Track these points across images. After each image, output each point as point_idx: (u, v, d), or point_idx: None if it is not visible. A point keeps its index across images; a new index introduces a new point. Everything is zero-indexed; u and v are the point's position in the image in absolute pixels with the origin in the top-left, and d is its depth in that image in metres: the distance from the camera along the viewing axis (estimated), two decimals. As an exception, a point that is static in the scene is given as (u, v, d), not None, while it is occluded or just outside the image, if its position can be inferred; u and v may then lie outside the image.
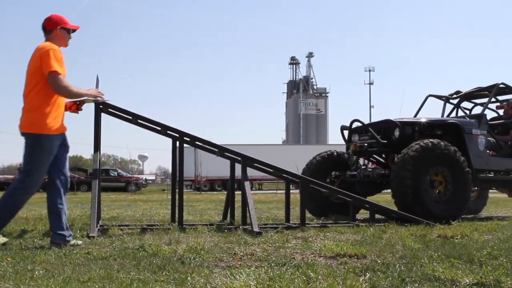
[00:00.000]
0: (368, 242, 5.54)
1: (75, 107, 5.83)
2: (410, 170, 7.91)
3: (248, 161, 7.31)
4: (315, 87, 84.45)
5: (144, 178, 52.11)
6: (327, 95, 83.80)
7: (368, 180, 9.21)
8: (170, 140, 7.30)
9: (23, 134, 5.23)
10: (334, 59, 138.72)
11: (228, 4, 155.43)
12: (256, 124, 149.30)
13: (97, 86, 6.83)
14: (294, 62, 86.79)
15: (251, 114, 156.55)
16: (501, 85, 9.89)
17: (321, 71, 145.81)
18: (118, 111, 6.98)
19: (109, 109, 6.89)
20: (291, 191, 7.62)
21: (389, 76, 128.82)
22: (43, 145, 5.18)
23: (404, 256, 4.48)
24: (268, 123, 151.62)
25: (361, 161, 9.75)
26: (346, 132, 9.88)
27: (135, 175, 53.10)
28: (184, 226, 6.85)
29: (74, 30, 5.61)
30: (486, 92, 10.33)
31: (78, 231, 6.18)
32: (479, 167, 8.89)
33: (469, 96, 10.95)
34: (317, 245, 5.29)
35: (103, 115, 6.81)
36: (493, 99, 10.57)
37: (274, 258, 4.42)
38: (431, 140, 8.24)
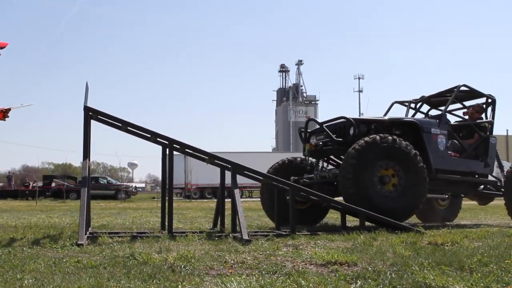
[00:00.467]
0: (358, 249, 5.54)
1: (2, 115, 5.91)
2: (353, 166, 7.84)
3: (238, 169, 7.31)
4: (304, 94, 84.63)
5: (134, 186, 51.88)
6: (316, 102, 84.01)
7: (326, 181, 9.05)
8: (160, 148, 7.29)
9: None
10: (324, 66, 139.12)
11: (217, 11, 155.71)
12: (246, 132, 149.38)
13: (86, 93, 6.87)
14: (283, 69, 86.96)
15: (240, 121, 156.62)
16: (462, 87, 9.83)
17: (311, 79, 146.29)
18: (108, 118, 6.97)
19: (99, 116, 6.89)
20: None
21: (378, 83, 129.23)
22: None
23: (395, 264, 4.48)
24: (258, 130, 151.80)
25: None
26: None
27: (125, 183, 52.91)
28: (174, 234, 6.82)
29: (2, 47, 5.97)
30: (449, 95, 10.16)
31: (68, 239, 6.14)
32: (439, 166, 8.80)
33: (432, 99, 10.77)
34: (307, 252, 5.28)
35: (92, 122, 6.81)
36: (460, 105, 10.60)
37: (265, 266, 4.41)
38: (379, 135, 8.16)
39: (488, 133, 9.89)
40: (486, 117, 10.10)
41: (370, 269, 4.22)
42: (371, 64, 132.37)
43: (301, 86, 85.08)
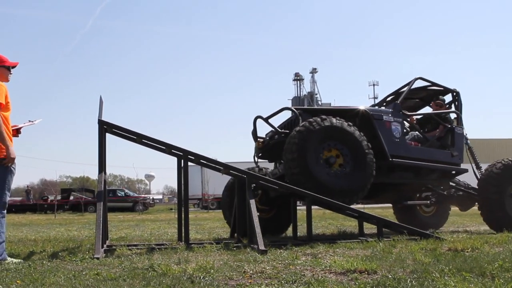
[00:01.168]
0: (378, 257, 5.51)
1: (15, 132, 6.05)
2: (296, 145, 7.65)
3: (253, 179, 7.30)
4: (319, 102, 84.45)
5: (151, 197, 51.92)
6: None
7: (277, 176, 8.80)
8: (175, 159, 7.31)
9: None
10: (338, 74, 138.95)
11: (230, 22, 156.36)
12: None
13: (100, 107, 6.95)
14: (298, 78, 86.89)
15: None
16: (418, 79, 9.76)
17: (325, 87, 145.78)
18: (122, 131, 7.02)
19: (113, 130, 6.94)
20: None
21: (393, 89, 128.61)
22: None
23: (415, 271, 4.45)
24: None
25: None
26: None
27: (142, 195, 52.99)
28: (191, 244, 6.82)
29: (14, 67, 6.01)
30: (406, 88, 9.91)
31: (87, 252, 6.16)
32: (395, 152, 8.62)
33: (394, 97, 10.46)
34: (327, 261, 5.26)
35: (108, 135, 6.86)
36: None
37: (284, 276, 4.39)
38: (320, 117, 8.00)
39: (454, 125, 9.81)
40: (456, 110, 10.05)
41: (390, 276, 4.19)
42: (385, 70, 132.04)
43: (316, 94, 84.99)
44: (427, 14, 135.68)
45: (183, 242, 7.01)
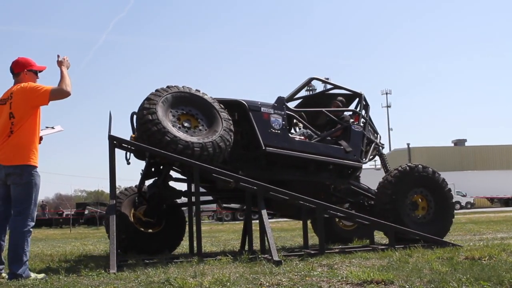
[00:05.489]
0: (394, 267, 5.48)
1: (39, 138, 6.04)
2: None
3: (264, 190, 7.30)
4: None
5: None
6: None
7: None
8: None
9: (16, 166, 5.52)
10: (350, 83, 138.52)
11: (240, 35, 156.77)
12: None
13: (110, 122, 7.03)
14: (310, 88, 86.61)
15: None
16: (313, 80, 9.71)
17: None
18: (132, 146, 7.18)
19: (123, 144, 7.04)
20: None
21: (406, 97, 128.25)
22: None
23: (432, 280, 4.42)
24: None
25: None
26: None
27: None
28: (204, 257, 6.80)
29: (41, 71, 6.00)
30: (303, 89, 9.83)
31: (103, 267, 6.17)
32: (272, 143, 8.20)
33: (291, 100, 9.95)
34: (343, 272, 5.24)
35: (118, 150, 6.98)
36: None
37: (300, 287, 4.38)
38: None
39: (352, 124, 9.43)
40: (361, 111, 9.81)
41: (407, 287, 4.18)
42: (398, 79, 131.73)
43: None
44: (440, 22, 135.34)
45: (195, 255, 6.97)
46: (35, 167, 5.58)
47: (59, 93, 5.66)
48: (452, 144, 71.31)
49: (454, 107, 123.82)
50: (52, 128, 6.62)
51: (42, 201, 54.03)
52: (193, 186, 7.68)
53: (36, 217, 5.75)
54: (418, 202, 8.75)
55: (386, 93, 78.14)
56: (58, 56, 5.97)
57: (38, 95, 5.59)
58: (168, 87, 7.50)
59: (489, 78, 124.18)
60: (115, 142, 6.88)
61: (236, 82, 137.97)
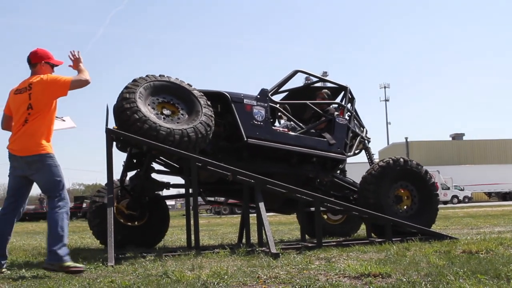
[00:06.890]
0: (392, 260, 5.49)
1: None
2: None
3: (261, 183, 7.30)
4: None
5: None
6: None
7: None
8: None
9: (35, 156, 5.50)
10: (349, 77, 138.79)
11: (239, 28, 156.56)
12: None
13: (107, 116, 7.00)
14: (308, 81, 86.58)
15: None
16: (298, 72, 9.59)
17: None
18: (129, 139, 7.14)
19: (121, 138, 7.00)
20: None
21: (405, 91, 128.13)
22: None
23: (430, 274, 4.43)
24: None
25: None
26: None
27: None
28: (201, 251, 6.80)
29: (57, 65, 5.98)
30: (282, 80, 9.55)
31: (101, 260, 6.17)
32: (254, 135, 8.17)
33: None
34: (340, 265, 5.25)
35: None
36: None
37: (298, 281, 4.39)
38: None
39: (337, 117, 9.34)
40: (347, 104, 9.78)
41: (404, 280, 4.19)
42: (397, 72, 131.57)
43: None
44: (439, 15, 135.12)
45: (193, 248, 6.98)
46: (52, 154, 5.59)
47: (79, 83, 5.70)
48: (450, 138, 71.36)
49: (452, 101, 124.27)
50: (62, 119, 6.56)
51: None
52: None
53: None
54: (401, 195, 8.71)
55: (385, 87, 78.22)
56: (73, 55, 5.95)
57: (59, 86, 5.60)
58: (147, 76, 7.45)
59: (487, 72, 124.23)
60: (112, 135, 6.87)
61: (234, 74, 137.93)
